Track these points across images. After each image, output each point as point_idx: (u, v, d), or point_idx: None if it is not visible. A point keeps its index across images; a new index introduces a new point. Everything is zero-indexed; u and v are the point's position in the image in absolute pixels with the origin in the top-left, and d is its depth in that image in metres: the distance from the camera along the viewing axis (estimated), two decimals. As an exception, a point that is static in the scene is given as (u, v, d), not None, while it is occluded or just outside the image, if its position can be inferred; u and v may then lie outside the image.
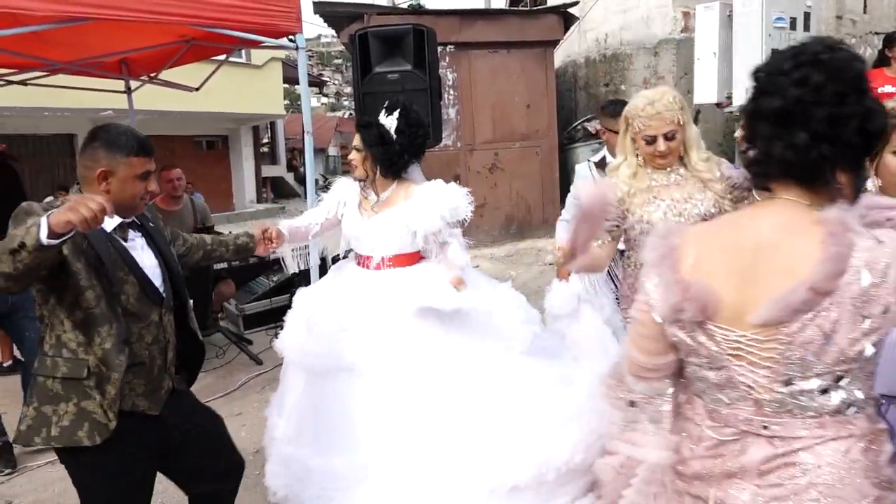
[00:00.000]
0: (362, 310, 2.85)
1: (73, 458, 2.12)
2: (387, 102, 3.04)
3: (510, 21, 9.13)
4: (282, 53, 14.93)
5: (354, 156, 3.03)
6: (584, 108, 10.32)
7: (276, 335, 3.15)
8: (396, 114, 2.95)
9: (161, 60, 5.55)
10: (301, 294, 3.15)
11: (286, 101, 19.06)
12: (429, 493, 2.56)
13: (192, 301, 5.39)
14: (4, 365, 5.36)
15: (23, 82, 5.86)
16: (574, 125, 9.60)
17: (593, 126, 9.04)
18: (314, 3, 8.24)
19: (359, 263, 3.05)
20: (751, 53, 7.45)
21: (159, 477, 2.35)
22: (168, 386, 2.30)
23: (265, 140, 21.16)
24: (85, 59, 5.22)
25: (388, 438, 2.65)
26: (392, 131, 2.92)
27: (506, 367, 2.75)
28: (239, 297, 6.30)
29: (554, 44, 9.32)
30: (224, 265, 5.98)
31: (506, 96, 8.85)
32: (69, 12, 3.27)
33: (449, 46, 8.40)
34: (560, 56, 10.73)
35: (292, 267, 3.19)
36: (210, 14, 3.68)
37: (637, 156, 2.59)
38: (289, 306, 3.11)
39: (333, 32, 10.83)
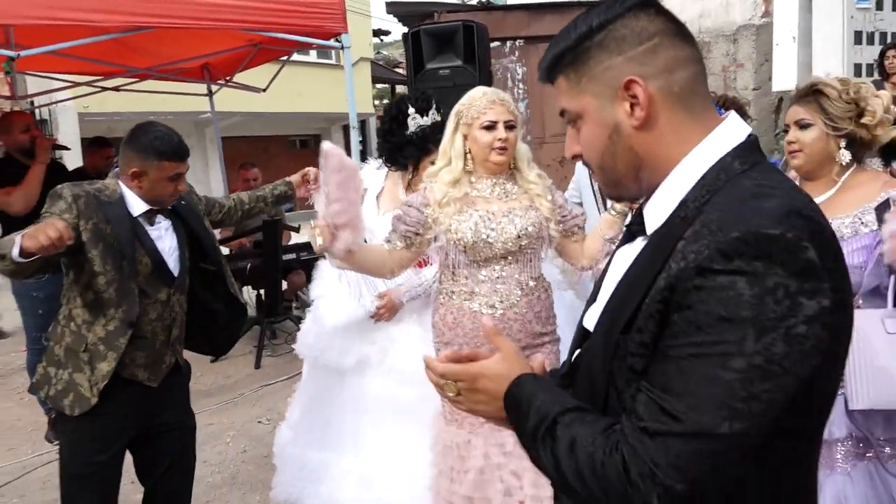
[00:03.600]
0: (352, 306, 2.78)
1: (59, 420, 2.34)
2: (411, 104, 2.83)
3: (579, 13, 9.06)
4: (370, 53, 15.42)
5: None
6: (661, 99, 10.12)
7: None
8: (434, 110, 2.80)
9: (235, 63, 5.93)
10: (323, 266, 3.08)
11: (376, 102, 19.58)
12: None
13: (262, 291, 5.77)
14: None
15: (116, 88, 6.41)
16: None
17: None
18: (387, 4, 8.52)
19: None
20: (832, 36, 7.14)
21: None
22: (170, 361, 2.43)
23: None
24: (165, 64, 5.66)
25: (390, 439, 2.64)
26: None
27: None
28: (310, 287, 6.60)
29: (629, 35, 9.19)
30: (293, 256, 6.32)
31: (576, 89, 8.81)
32: (133, 22, 3.60)
33: (518, 41, 8.46)
34: (638, 46, 10.57)
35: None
36: (261, 19, 3.94)
37: (465, 161, 2.32)
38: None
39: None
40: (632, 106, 0.96)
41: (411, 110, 2.79)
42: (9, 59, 3.47)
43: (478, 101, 2.28)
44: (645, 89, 0.95)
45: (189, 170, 2.37)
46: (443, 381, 1.09)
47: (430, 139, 2.75)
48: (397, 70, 18.22)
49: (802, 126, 1.99)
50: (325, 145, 2.10)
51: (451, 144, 2.34)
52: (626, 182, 1.02)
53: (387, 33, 23.47)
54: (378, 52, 23.78)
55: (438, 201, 2.29)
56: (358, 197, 2.19)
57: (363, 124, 22.12)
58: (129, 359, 2.27)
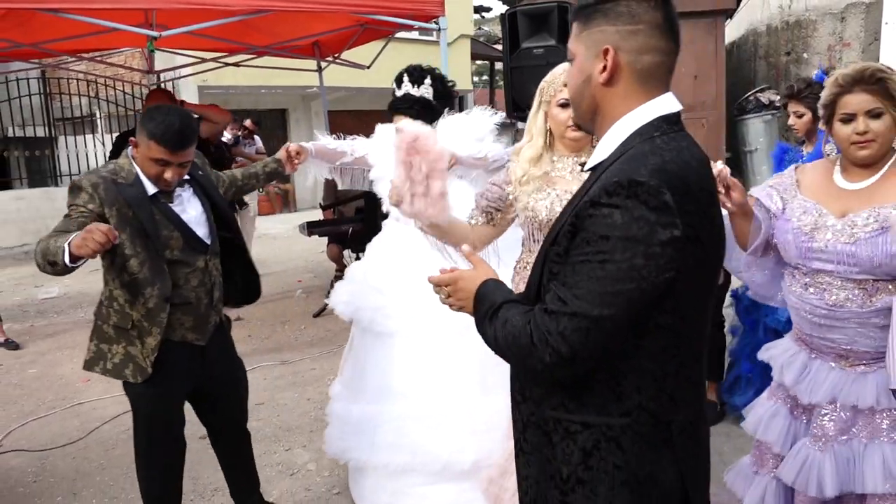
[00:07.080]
0: (397, 268, 2.87)
1: (124, 386, 2.49)
2: (406, 74, 2.99)
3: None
4: (471, 30, 15.68)
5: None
6: (762, 79, 9.92)
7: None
8: (429, 81, 2.97)
9: (343, 42, 6.39)
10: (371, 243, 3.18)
11: (475, 78, 19.81)
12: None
13: (361, 254, 6.18)
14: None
15: (236, 64, 7.01)
16: (745, 96, 9.29)
17: (766, 97, 8.75)
18: (488, -17, 8.76)
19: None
20: (946, 15, 6.82)
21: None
22: (215, 321, 2.59)
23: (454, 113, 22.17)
24: (281, 42, 6.17)
25: (423, 388, 2.75)
26: (430, 98, 2.96)
27: None
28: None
29: (725, 13, 9.04)
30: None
31: (672, 67, 8.78)
32: (258, 5, 4.06)
33: (616, 19, 8.51)
34: (742, 25, 10.35)
35: (340, 182, 3.20)
36: (367, 2, 4.33)
37: (545, 138, 2.27)
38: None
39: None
40: (604, 67, 1.25)
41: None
42: (151, 38, 3.97)
43: (557, 79, 2.19)
44: (616, 58, 1.24)
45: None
46: (437, 288, 1.48)
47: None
48: (496, 46, 18.36)
49: (874, 115, 1.86)
50: (402, 124, 2.12)
51: (533, 121, 2.29)
52: (585, 119, 1.36)
53: (488, 10, 23.63)
54: (479, 28, 23.95)
55: (518, 179, 2.24)
56: (437, 176, 1.93)
57: (460, 100, 22.49)
58: (178, 323, 2.43)
